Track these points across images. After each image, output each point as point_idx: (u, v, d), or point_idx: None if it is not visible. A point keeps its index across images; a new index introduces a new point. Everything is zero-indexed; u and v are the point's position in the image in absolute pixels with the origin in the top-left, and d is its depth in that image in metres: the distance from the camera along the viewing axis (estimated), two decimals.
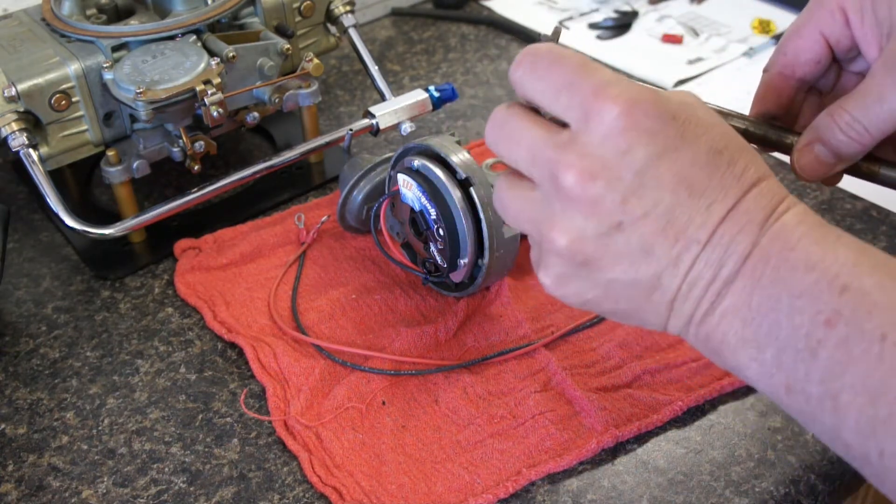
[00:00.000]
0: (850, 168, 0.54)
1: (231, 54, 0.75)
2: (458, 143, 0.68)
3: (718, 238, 0.42)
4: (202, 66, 0.73)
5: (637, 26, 1.11)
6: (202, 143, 0.77)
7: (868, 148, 0.53)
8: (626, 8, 1.14)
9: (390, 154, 0.75)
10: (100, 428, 0.65)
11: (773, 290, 0.41)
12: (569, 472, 0.60)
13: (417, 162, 0.68)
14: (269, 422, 0.64)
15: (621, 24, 1.11)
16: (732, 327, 0.43)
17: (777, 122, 0.57)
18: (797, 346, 0.41)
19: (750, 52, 1.04)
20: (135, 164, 0.76)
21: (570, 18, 1.13)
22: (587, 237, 0.43)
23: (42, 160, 0.73)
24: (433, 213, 0.67)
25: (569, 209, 0.44)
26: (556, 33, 0.50)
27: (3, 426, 0.66)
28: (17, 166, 0.89)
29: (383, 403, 0.64)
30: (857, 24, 0.53)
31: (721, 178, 0.43)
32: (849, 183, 0.82)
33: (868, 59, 0.54)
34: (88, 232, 0.73)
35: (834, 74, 0.58)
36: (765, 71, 0.57)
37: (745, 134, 0.55)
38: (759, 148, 0.56)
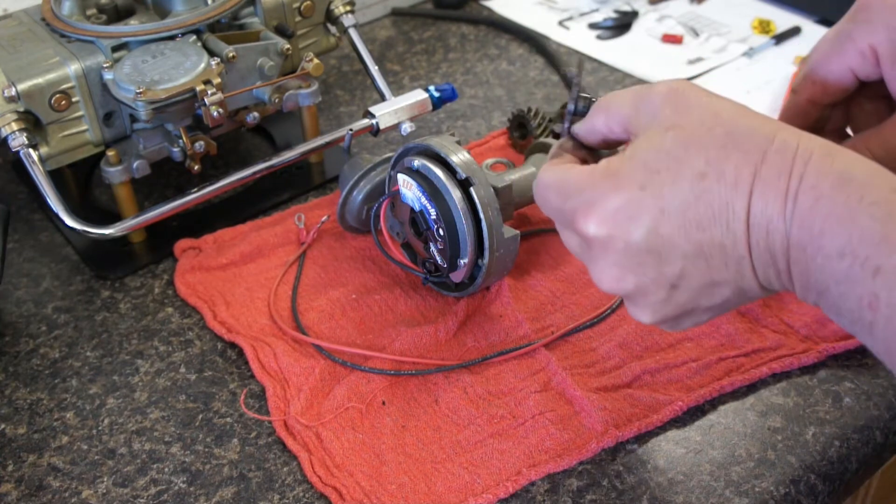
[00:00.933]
0: None
1: (231, 54, 0.75)
2: (458, 143, 0.68)
3: (755, 245, 0.44)
4: (202, 66, 0.73)
5: (637, 26, 1.11)
6: (202, 143, 0.77)
7: None
8: (626, 8, 1.14)
9: (390, 154, 0.75)
10: (100, 428, 0.65)
11: (819, 277, 0.43)
12: (569, 472, 0.60)
13: (417, 162, 0.68)
14: (269, 422, 0.64)
15: (621, 24, 1.11)
16: (815, 299, 0.45)
17: None
18: (856, 323, 0.43)
19: (750, 52, 1.04)
20: (135, 164, 0.76)
21: (570, 18, 1.13)
22: (661, 308, 0.49)
23: (42, 160, 0.73)
24: (433, 213, 0.67)
25: (630, 302, 0.50)
26: (580, 66, 0.59)
27: (3, 426, 0.66)
28: (17, 166, 0.89)
29: (383, 403, 0.64)
30: (888, 66, 0.54)
31: (719, 198, 0.44)
32: None
33: (894, 94, 0.55)
34: (88, 232, 0.73)
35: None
36: (794, 92, 0.58)
37: None
38: None
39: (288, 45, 0.78)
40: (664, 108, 0.47)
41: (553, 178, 0.50)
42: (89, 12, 0.82)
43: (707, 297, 0.48)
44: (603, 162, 0.49)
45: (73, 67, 0.73)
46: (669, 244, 0.46)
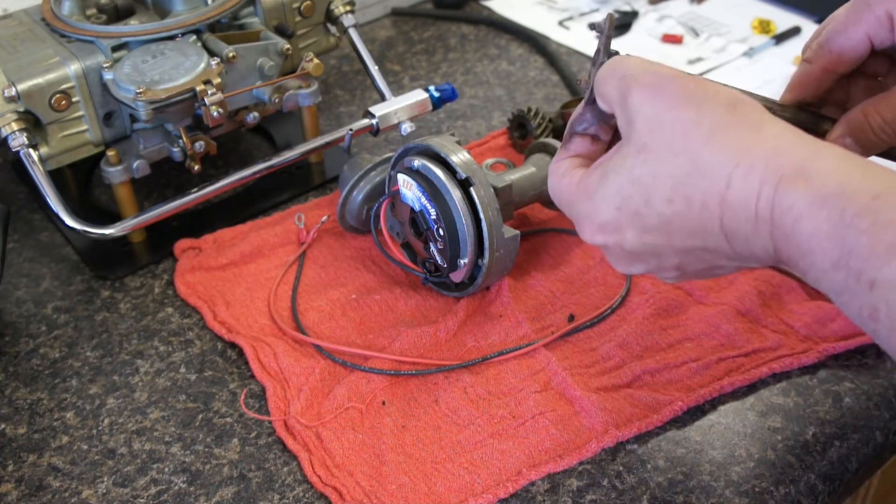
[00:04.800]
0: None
1: (231, 54, 0.75)
2: (458, 143, 0.68)
3: (741, 252, 0.46)
4: (202, 66, 0.73)
5: (637, 26, 1.11)
6: (202, 143, 0.77)
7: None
8: (627, 8, 1.14)
9: (390, 154, 0.75)
10: (100, 428, 0.65)
11: (818, 286, 0.44)
12: (569, 472, 0.60)
13: (417, 162, 0.68)
14: (269, 422, 0.64)
15: (621, 24, 1.11)
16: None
17: (811, 107, 0.60)
18: (861, 325, 0.43)
19: (750, 52, 1.04)
20: (135, 164, 0.76)
21: (570, 18, 1.13)
22: (681, 278, 0.52)
23: (42, 160, 0.73)
24: (433, 213, 0.67)
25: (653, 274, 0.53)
26: (609, 21, 0.55)
27: (3, 426, 0.66)
28: (17, 166, 0.89)
29: (383, 403, 0.64)
30: None
31: (692, 219, 0.46)
32: None
33: None
34: (88, 232, 0.73)
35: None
36: (805, 61, 0.59)
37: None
38: None
39: (288, 45, 0.78)
40: (641, 109, 0.47)
41: (553, 184, 0.54)
42: (89, 12, 0.82)
43: (716, 269, 0.50)
44: (583, 177, 0.51)
45: (73, 67, 0.73)
46: (661, 247, 0.48)
